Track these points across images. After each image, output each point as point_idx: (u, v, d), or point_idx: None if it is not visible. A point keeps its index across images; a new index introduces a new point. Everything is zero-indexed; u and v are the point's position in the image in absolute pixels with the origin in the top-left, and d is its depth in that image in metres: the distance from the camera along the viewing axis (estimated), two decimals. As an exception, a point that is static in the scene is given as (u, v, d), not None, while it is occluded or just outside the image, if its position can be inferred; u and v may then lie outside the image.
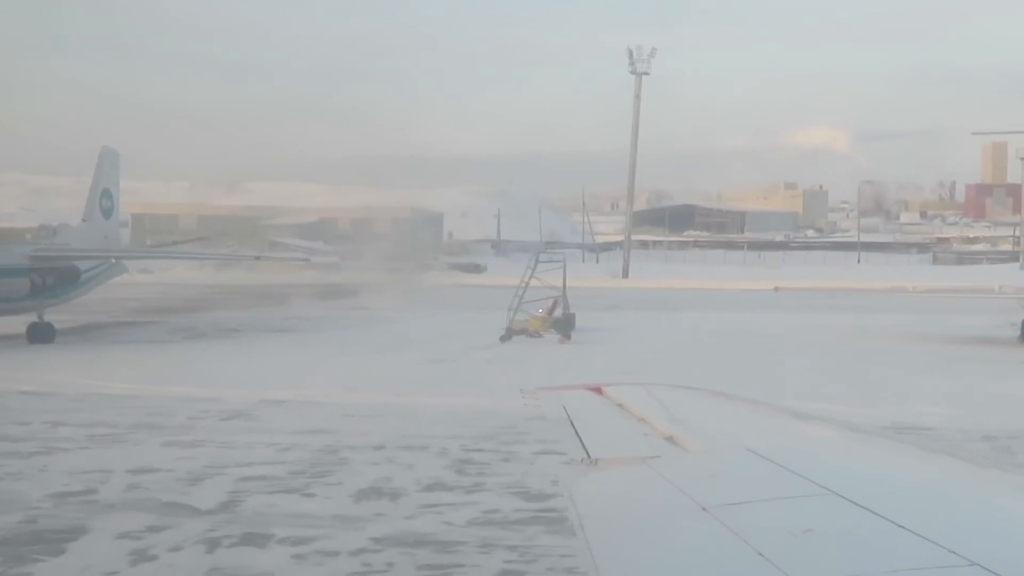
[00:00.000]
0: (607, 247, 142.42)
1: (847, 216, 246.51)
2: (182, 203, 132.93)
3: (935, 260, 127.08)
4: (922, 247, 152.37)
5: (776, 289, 53.64)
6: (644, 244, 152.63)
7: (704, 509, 5.57)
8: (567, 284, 44.74)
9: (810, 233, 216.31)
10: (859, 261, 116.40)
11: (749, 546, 4.93)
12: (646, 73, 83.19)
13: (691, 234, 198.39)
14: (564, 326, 43.56)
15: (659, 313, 54.59)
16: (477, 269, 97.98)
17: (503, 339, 41.06)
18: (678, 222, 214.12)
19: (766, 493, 5.87)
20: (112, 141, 55.46)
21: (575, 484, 6.76)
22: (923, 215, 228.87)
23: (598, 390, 9.49)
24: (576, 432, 7.94)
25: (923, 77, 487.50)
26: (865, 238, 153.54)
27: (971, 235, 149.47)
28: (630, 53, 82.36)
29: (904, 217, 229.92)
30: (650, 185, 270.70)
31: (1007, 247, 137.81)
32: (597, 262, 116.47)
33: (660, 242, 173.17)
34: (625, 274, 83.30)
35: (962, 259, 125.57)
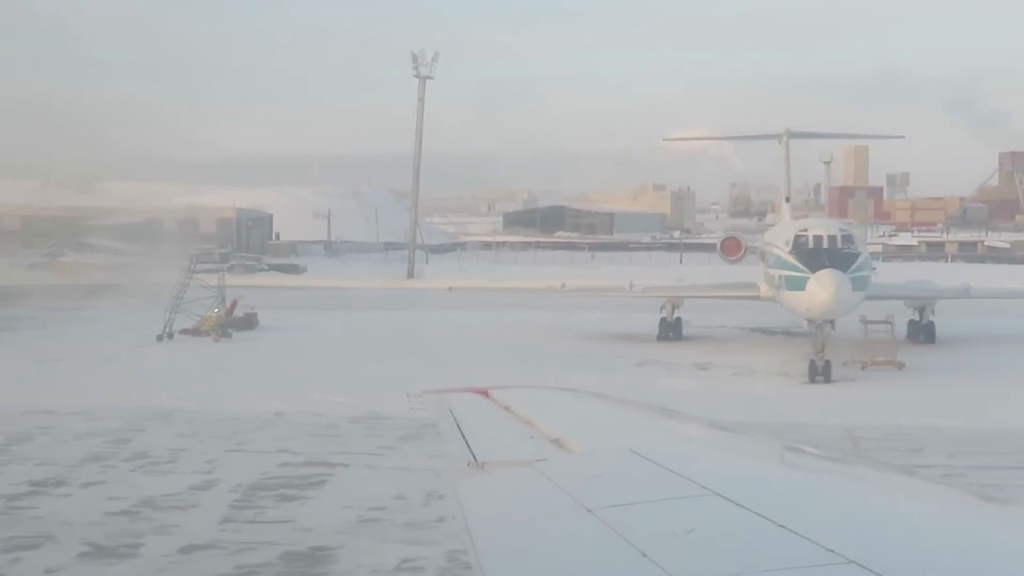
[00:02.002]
0: (451, 248, 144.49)
1: (716, 217, 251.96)
2: (10, 204, 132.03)
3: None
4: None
5: (450, 288, 56.29)
6: (515, 245, 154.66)
7: (589, 511, 5.67)
8: (264, 283, 46.93)
9: (676, 234, 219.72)
10: (681, 262, 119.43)
11: (633, 547, 5.01)
12: (430, 77, 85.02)
13: (561, 235, 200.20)
14: (236, 326, 45.89)
15: (366, 313, 56.70)
16: (296, 270, 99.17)
17: (159, 338, 43.17)
18: (549, 223, 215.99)
19: (649, 494, 5.96)
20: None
21: (462, 487, 6.80)
22: (790, 217, 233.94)
23: (484, 393, 9.57)
24: (462, 435, 8.00)
25: (793, 80, 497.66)
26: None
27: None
28: (414, 57, 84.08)
29: (769, 218, 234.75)
30: (526, 186, 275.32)
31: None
32: (427, 263, 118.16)
33: (529, 243, 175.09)
34: (410, 275, 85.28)
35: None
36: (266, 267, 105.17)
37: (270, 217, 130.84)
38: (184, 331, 44.44)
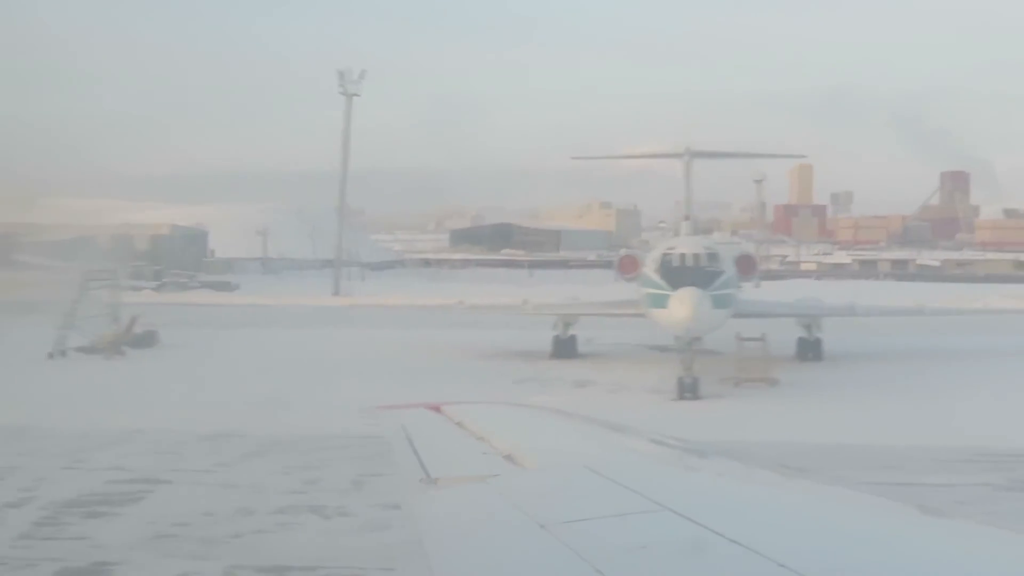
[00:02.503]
0: (391, 265, 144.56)
1: (662, 236, 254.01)
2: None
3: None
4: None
5: (351, 306, 56.67)
6: (455, 263, 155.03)
7: (542, 527, 5.65)
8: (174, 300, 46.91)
9: (622, 251, 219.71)
10: (615, 280, 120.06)
11: (587, 563, 5.01)
12: (356, 95, 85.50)
13: (508, 252, 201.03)
14: (135, 343, 45.93)
15: (276, 331, 56.88)
16: (229, 287, 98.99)
17: (51, 356, 43.15)
18: (496, 241, 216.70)
19: (603, 510, 5.96)
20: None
21: (415, 502, 6.77)
22: (734, 233, 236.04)
23: (437, 408, 9.51)
24: (415, 451, 7.94)
25: (738, 99, 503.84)
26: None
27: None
28: (340, 75, 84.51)
29: (716, 236, 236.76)
30: (476, 203, 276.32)
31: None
32: (363, 280, 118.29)
33: (471, 260, 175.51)
34: (336, 292, 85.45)
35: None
36: (198, 284, 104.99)
37: (205, 234, 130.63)
38: (80, 349, 44.44)
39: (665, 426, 28.26)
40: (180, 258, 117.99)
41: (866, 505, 6.39)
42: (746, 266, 52.75)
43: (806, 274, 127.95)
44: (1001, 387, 35.48)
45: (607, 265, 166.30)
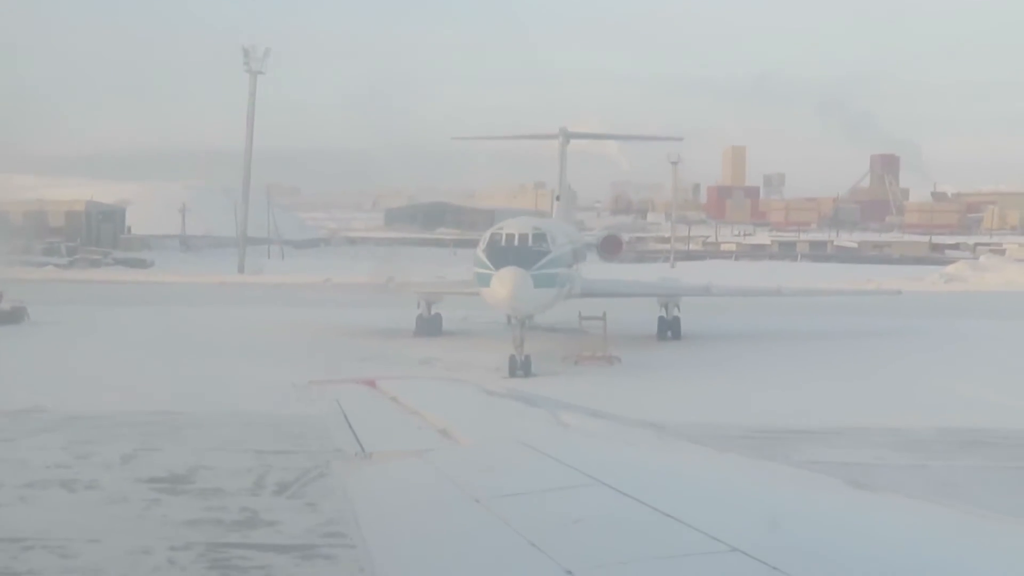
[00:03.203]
0: (315, 243, 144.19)
1: (597, 216, 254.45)
2: None
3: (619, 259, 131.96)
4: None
5: (222, 283, 56.81)
6: (381, 241, 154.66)
7: (477, 501, 5.72)
8: None
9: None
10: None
11: (522, 536, 5.06)
12: (261, 72, 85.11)
13: (442, 231, 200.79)
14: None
15: (162, 308, 56.70)
16: (143, 264, 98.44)
17: None
18: (431, 220, 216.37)
19: (538, 484, 6.05)
20: None
21: (349, 477, 6.76)
22: (667, 215, 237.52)
23: (371, 383, 9.52)
24: (349, 425, 7.89)
25: (675, 82, 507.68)
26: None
27: (664, 235, 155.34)
28: (245, 52, 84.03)
29: (650, 217, 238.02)
30: (412, 183, 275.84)
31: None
32: (283, 258, 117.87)
33: (403, 239, 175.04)
34: (240, 270, 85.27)
35: (641, 257, 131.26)
36: (111, 261, 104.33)
37: (122, 211, 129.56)
38: None
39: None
40: (96, 235, 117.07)
41: (797, 479, 6.53)
42: (611, 247, 53.62)
43: (726, 255, 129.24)
44: (823, 369, 36.38)
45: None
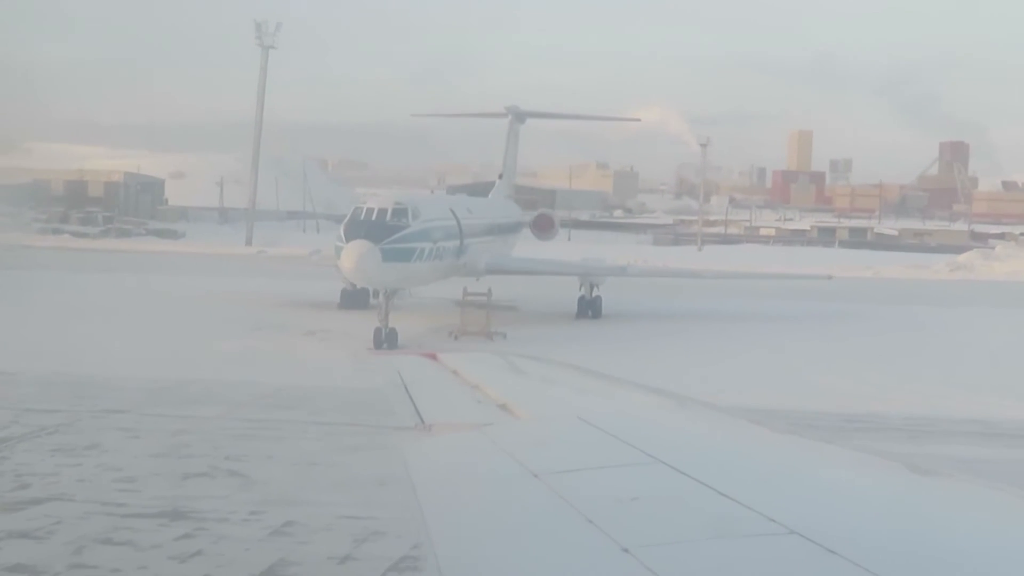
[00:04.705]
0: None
1: (661, 198, 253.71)
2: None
3: (654, 242, 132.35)
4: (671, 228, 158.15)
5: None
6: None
7: (535, 476, 5.69)
8: None
9: (618, 213, 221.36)
10: (569, 239, 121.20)
11: (579, 512, 5.03)
12: (272, 47, 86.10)
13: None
14: None
15: (133, 276, 57.80)
16: (174, 236, 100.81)
17: None
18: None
19: (595, 461, 6.02)
20: None
21: (409, 448, 6.81)
22: (731, 200, 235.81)
23: (433, 356, 9.63)
24: (410, 397, 8.02)
25: (738, 65, 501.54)
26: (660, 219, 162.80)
27: (712, 219, 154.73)
28: (257, 27, 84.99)
29: (713, 200, 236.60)
30: (478, 159, 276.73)
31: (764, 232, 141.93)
32: (318, 232, 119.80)
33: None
34: (249, 242, 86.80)
35: (678, 240, 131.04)
36: (144, 232, 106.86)
37: (161, 182, 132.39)
38: None
39: (343, 376, 29.66)
40: (134, 205, 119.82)
41: (857, 462, 6.42)
42: (543, 226, 54.06)
43: (763, 239, 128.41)
44: (700, 348, 36.53)
45: (603, 227, 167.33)
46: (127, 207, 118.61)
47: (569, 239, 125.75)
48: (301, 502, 17.17)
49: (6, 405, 23.75)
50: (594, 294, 45.46)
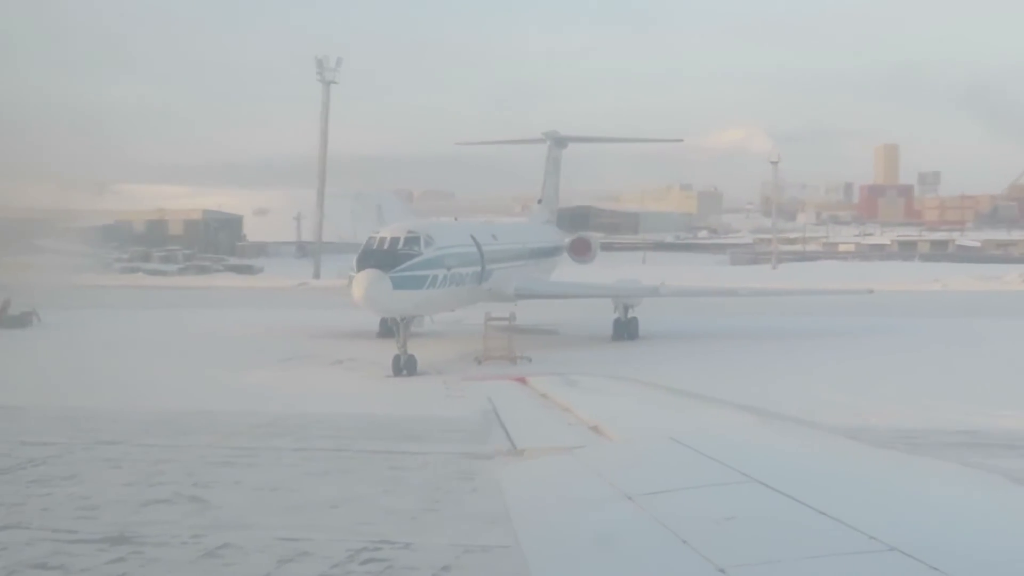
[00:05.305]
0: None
1: (747, 217, 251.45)
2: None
3: (732, 261, 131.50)
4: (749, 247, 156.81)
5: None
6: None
7: (629, 498, 5.69)
8: None
9: (702, 234, 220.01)
10: (644, 261, 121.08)
11: (673, 533, 5.01)
12: (334, 82, 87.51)
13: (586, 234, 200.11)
14: (6, 324, 49.46)
15: (189, 311, 59.16)
16: (251, 271, 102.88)
17: None
18: (576, 223, 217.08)
19: (689, 481, 5.97)
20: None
21: (502, 472, 6.85)
22: (818, 216, 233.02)
23: (522, 380, 9.68)
24: (501, 422, 8.04)
25: (821, 80, 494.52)
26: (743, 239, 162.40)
27: (791, 236, 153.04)
28: (319, 63, 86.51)
29: (800, 218, 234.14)
30: (561, 186, 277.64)
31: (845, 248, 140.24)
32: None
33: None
34: (316, 275, 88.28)
35: (756, 259, 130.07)
36: (222, 268, 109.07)
37: (239, 219, 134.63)
38: None
39: (358, 402, 30.14)
40: (213, 242, 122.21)
41: (956, 476, 6.27)
42: (580, 249, 54.24)
43: (842, 255, 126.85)
44: (727, 365, 36.41)
45: (684, 248, 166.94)
46: (206, 244, 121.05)
47: (644, 261, 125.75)
48: (245, 526, 17.61)
49: (5, 439, 24.65)
50: (629, 315, 45.46)
